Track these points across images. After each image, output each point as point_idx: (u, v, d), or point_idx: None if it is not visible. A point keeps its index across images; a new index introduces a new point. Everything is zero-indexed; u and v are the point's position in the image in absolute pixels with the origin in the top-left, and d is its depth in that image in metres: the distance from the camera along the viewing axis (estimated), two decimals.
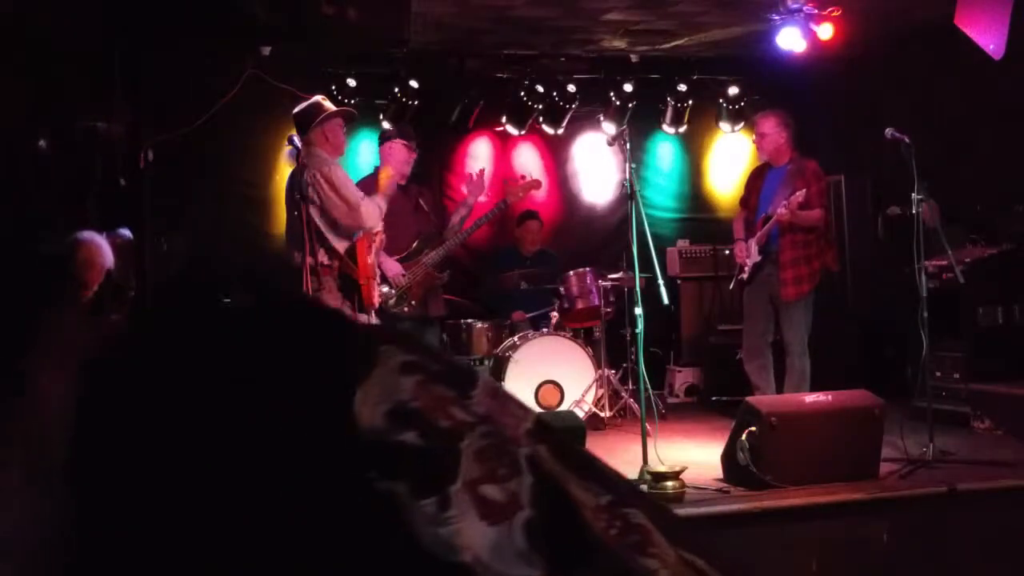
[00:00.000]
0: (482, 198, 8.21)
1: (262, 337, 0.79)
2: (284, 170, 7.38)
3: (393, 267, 5.80)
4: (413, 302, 5.88)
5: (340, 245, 4.91)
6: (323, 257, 4.83)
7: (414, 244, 6.00)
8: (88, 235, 4.83)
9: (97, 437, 0.75)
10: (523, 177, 6.53)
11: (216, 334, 0.81)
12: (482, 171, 6.67)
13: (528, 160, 8.32)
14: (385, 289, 5.75)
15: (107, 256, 4.82)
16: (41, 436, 0.76)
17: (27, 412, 0.79)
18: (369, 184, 6.05)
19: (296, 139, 4.98)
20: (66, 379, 0.79)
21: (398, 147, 6.07)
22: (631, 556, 0.73)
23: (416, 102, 7.62)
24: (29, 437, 0.78)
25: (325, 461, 0.73)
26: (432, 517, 0.70)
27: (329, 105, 5.23)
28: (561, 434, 0.78)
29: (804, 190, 5.82)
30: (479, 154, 8.32)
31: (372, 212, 5.03)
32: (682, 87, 8.20)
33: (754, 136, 6.40)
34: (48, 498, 0.73)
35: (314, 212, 4.77)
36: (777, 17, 6.64)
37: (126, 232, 5.09)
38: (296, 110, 5.23)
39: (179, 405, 0.75)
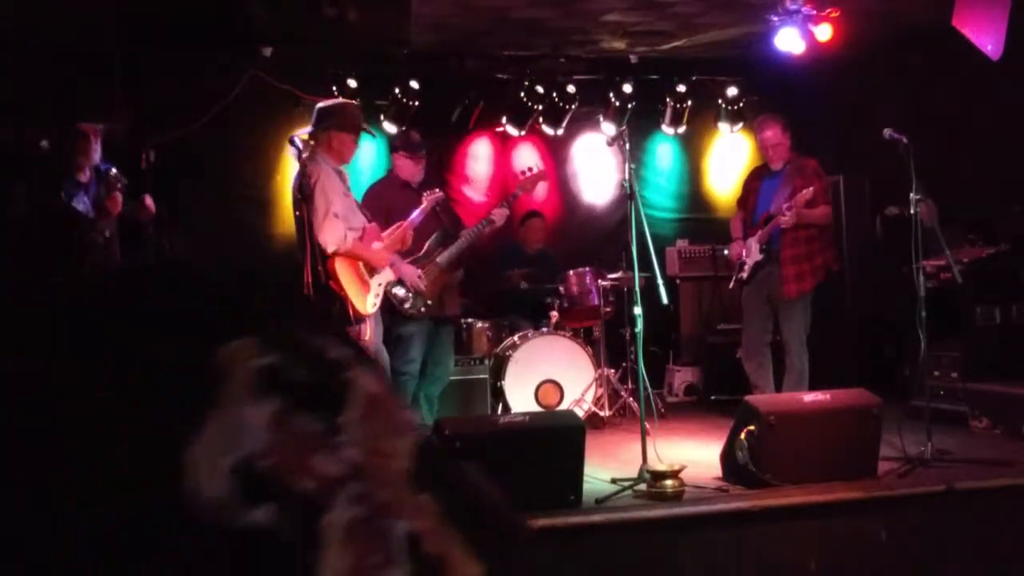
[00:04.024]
0: (483, 198, 8.27)
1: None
2: (285, 170, 7.40)
3: (408, 271, 5.72)
4: (429, 302, 5.83)
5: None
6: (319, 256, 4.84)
7: (426, 245, 5.98)
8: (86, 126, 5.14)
9: None
10: (530, 169, 6.52)
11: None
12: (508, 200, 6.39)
13: (528, 161, 8.35)
14: (400, 292, 5.69)
15: (95, 154, 5.16)
16: None
17: None
18: (381, 189, 6.06)
19: (297, 139, 4.97)
20: None
21: (402, 160, 6.09)
22: None
23: (416, 103, 7.65)
24: None
25: (127, 550, 0.50)
26: None
27: (354, 113, 5.17)
28: (446, 463, 0.62)
29: (812, 188, 5.86)
30: (479, 155, 8.35)
31: (333, 233, 4.91)
32: (681, 88, 8.23)
33: (760, 144, 6.36)
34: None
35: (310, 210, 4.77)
36: (776, 18, 6.67)
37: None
38: (323, 104, 5.19)
39: None
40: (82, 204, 5.15)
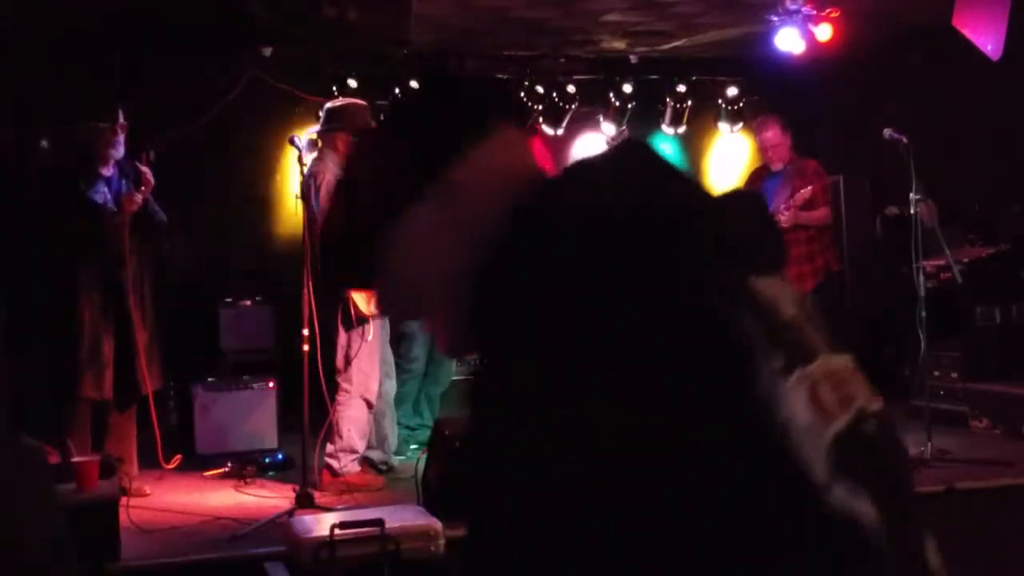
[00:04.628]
0: None
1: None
2: (285, 170, 7.40)
3: None
4: None
5: None
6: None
7: None
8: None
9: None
10: None
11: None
12: None
13: None
14: None
15: (120, 147, 5.22)
16: None
17: None
18: None
19: (297, 139, 4.97)
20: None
21: None
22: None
23: None
24: None
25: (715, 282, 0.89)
26: (774, 373, 0.86)
27: (362, 115, 5.11)
28: (892, 436, 0.94)
29: (810, 188, 5.86)
30: None
31: None
32: (681, 88, 8.22)
33: (760, 145, 6.35)
34: None
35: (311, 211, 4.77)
36: (776, 18, 6.67)
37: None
38: (331, 105, 5.16)
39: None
40: (101, 196, 5.15)
